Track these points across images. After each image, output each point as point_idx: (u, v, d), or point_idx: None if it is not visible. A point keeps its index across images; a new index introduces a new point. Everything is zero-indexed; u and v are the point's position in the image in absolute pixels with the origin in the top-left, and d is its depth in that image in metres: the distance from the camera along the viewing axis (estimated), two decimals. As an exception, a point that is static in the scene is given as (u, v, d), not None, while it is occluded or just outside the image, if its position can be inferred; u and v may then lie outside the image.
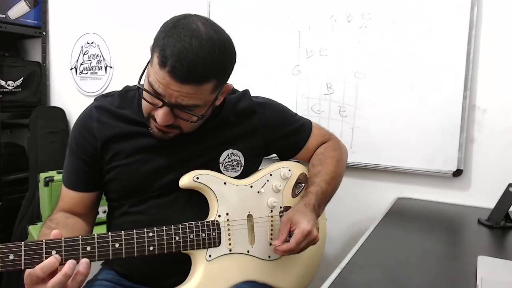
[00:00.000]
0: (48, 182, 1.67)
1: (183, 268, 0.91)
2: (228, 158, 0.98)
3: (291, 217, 0.92)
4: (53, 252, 0.74)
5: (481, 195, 1.27)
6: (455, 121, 1.26)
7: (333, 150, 1.11)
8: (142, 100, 0.88)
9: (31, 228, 1.79)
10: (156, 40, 0.81)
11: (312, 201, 0.97)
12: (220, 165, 0.97)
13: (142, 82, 0.88)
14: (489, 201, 1.11)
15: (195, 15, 0.84)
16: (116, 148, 0.94)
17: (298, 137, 1.10)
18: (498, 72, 1.24)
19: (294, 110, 1.15)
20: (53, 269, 0.72)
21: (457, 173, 1.28)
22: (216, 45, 0.80)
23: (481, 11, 1.24)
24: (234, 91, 1.05)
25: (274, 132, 1.05)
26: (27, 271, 0.73)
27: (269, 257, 0.97)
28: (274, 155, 1.12)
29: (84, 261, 0.75)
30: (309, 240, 0.90)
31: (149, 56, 0.87)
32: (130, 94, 0.99)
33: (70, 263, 0.73)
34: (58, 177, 1.69)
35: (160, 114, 0.84)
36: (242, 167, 1.00)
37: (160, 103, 0.83)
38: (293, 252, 0.89)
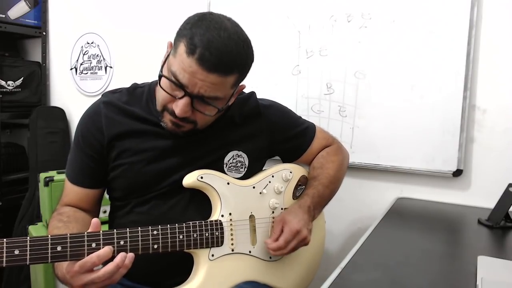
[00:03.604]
0: (48, 182, 1.67)
1: (184, 268, 0.91)
2: (233, 159, 0.98)
3: (283, 217, 0.94)
4: (59, 247, 0.74)
5: (481, 195, 1.27)
6: (455, 121, 1.27)
7: (335, 155, 1.11)
8: (159, 92, 0.88)
9: (31, 228, 1.79)
10: (182, 30, 0.82)
11: (307, 202, 0.98)
12: (225, 165, 0.97)
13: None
14: (489, 201, 1.11)
15: (219, 13, 0.86)
16: (122, 145, 0.94)
17: (302, 140, 1.10)
18: (498, 72, 1.24)
19: (294, 110, 1.15)
20: (108, 259, 0.75)
21: (457, 173, 1.28)
22: (241, 40, 0.82)
23: (481, 11, 1.24)
24: (241, 92, 1.05)
25: (278, 134, 1.05)
26: (72, 262, 0.75)
27: (270, 257, 0.97)
28: (277, 156, 1.12)
29: (130, 255, 0.77)
30: (298, 239, 0.91)
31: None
32: (138, 91, 0.99)
33: (122, 255, 0.76)
34: (58, 177, 1.68)
35: (179, 105, 0.83)
36: (246, 169, 1.00)
37: (181, 94, 0.82)
38: (282, 250, 0.90)
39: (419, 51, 1.30)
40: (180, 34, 0.82)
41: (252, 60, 0.88)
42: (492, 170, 1.26)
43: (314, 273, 1.09)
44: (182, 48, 0.79)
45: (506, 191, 1.06)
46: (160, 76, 0.85)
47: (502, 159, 1.24)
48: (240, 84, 0.91)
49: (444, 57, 1.27)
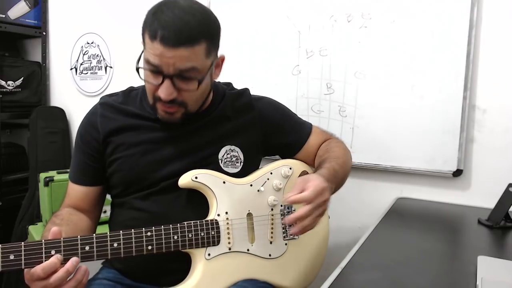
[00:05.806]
0: (48, 182, 1.67)
1: (184, 265, 0.91)
2: (227, 154, 0.99)
3: (306, 177, 0.86)
4: (53, 252, 0.75)
5: (481, 195, 1.27)
6: (455, 121, 1.26)
7: (337, 143, 1.11)
8: (146, 86, 0.91)
9: (31, 228, 1.79)
10: (144, 24, 0.89)
11: (325, 172, 0.92)
12: (220, 161, 0.98)
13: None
14: (489, 201, 1.11)
15: None
16: (118, 140, 0.97)
17: (298, 134, 1.10)
18: (498, 72, 1.24)
19: (294, 110, 1.16)
20: (54, 269, 0.73)
21: (457, 173, 1.28)
22: (197, 11, 0.86)
23: (481, 11, 1.24)
24: (234, 88, 1.09)
25: (271, 126, 1.06)
26: (28, 269, 0.74)
27: (270, 255, 0.97)
28: (277, 156, 1.12)
29: (83, 268, 0.76)
30: (323, 198, 0.82)
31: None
32: (133, 93, 1.04)
33: (73, 260, 0.75)
34: (58, 177, 1.68)
35: (163, 89, 0.86)
36: (242, 163, 1.00)
37: (160, 78, 0.86)
38: (306, 200, 0.79)
39: (419, 51, 1.30)
40: (143, 27, 0.89)
41: (218, 24, 0.92)
42: (492, 170, 1.26)
43: (317, 270, 1.08)
44: (147, 37, 0.86)
45: (506, 191, 1.06)
46: (137, 69, 0.89)
47: (502, 159, 1.24)
48: (220, 56, 0.95)
49: (444, 57, 1.27)
